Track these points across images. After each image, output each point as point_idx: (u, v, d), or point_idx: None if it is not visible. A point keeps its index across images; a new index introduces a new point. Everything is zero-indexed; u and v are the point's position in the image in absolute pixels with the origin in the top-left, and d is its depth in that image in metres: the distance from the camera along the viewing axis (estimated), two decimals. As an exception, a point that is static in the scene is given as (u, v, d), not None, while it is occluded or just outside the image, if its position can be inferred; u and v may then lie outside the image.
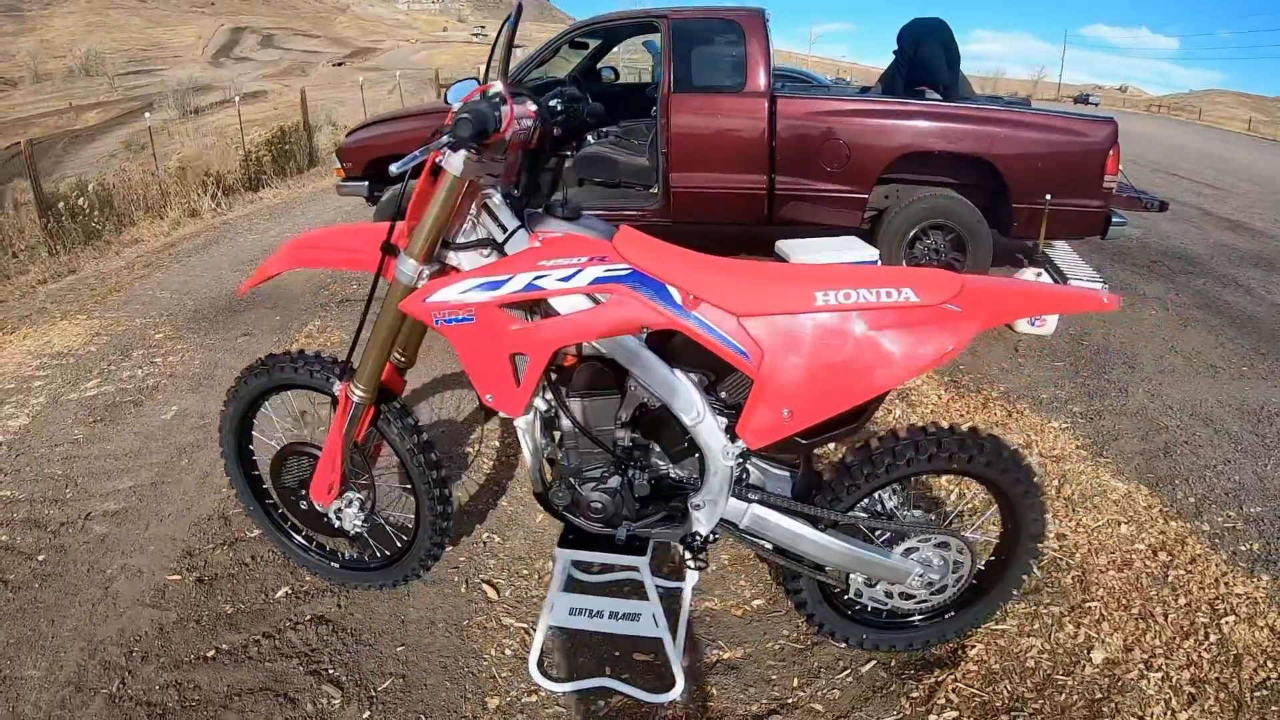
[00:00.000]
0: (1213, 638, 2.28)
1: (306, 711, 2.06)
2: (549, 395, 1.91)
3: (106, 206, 8.31)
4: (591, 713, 2.02)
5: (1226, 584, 2.52)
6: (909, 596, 2.04)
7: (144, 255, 7.07)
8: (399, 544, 2.37)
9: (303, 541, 2.47)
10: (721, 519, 1.92)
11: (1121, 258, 6.70)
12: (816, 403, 1.72)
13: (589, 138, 5.88)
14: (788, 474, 2.03)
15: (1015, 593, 2.15)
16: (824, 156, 4.84)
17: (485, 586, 2.47)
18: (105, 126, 24.95)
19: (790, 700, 2.09)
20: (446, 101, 2.06)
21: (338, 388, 2.05)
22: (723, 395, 1.86)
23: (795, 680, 2.15)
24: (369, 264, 1.89)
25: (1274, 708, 2.07)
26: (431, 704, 2.05)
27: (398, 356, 2.12)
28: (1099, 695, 2.08)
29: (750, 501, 1.91)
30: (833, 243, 4.80)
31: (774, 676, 2.17)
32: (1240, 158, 18.15)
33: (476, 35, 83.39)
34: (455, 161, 1.69)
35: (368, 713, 2.04)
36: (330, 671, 2.17)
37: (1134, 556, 2.65)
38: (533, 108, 1.82)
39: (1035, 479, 1.93)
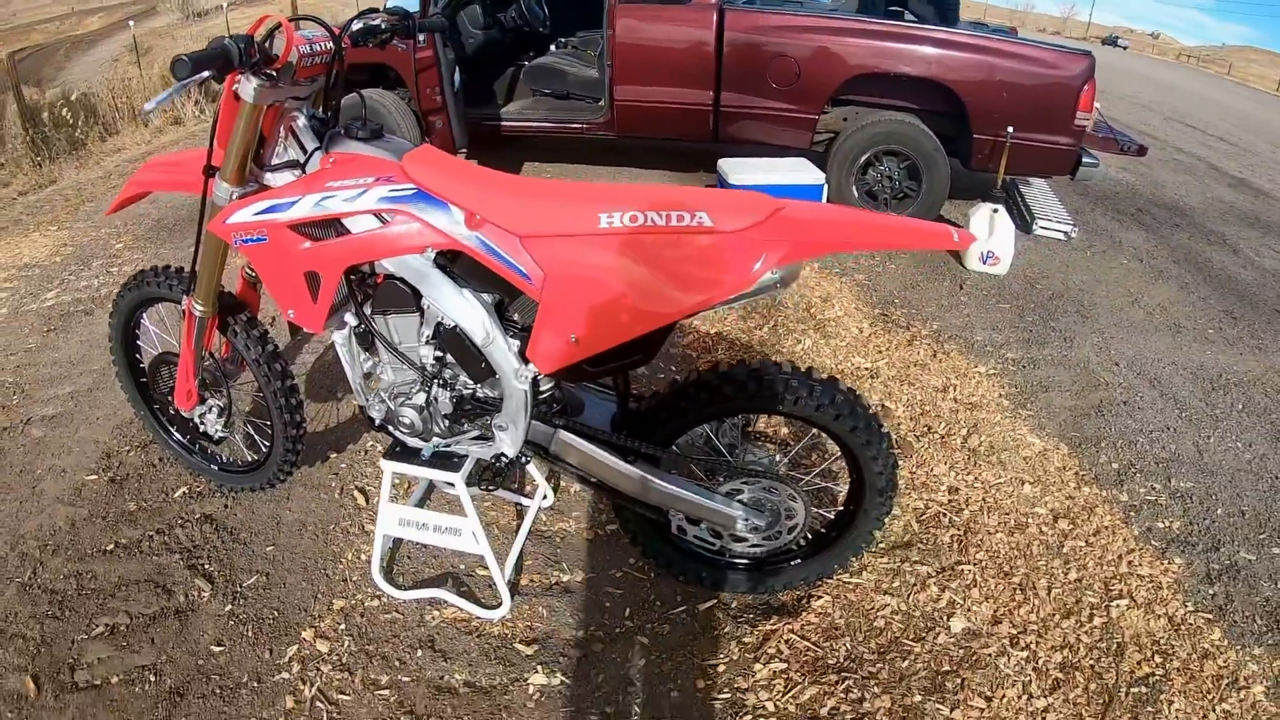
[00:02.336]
0: (1097, 620, 2.16)
1: (179, 602, 2.26)
2: (361, 311, 1.96)
3: (91, 115, 8.34)
4: (425, 621, 2.15)
5: (1130, 563, 2.38)
6: (740, 539, 2.02)
7: (122, 164, 7.15)
8: (264, 450, 2.53)
9: (184, 441, 2.63)
10: (530, 442, 1.97)
11: (1104, 201, 6.44)
12: (600, 330, 1.69)
13: (551, 47, 5.81)
14: (610, 402, 2.06)
15: (865, 547, 2.09)
16: (773, 74, 4.76)
17: (356, 493, 2.62)
18: (107, 31, 24.63)
19: (618, 630, 2.12)
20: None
21: (185, 302, 2.17)
22: (515, 318, 1.87)
23: (628, 609, 2.17)
24: (197, 186, 1.95)
25: (1149, 709, 1.93)
26: (286, 601, 2.23)
27: (249, 272, 2.23)
28: (947, 667, 1.99)
29: (556, 427, 1.94)
30: (778, 164, 4.76)
31: (608, 604, 2.20)
32: (1263, 116, 17.12)
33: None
34: (247, 88, 1.74)
35: (230, 606, 2.23)
36: (205, 567, 2.36)
37: (1031, 520, 2.52)
38: (321, 34, 1.84)
39: (879, 428, 1.87)
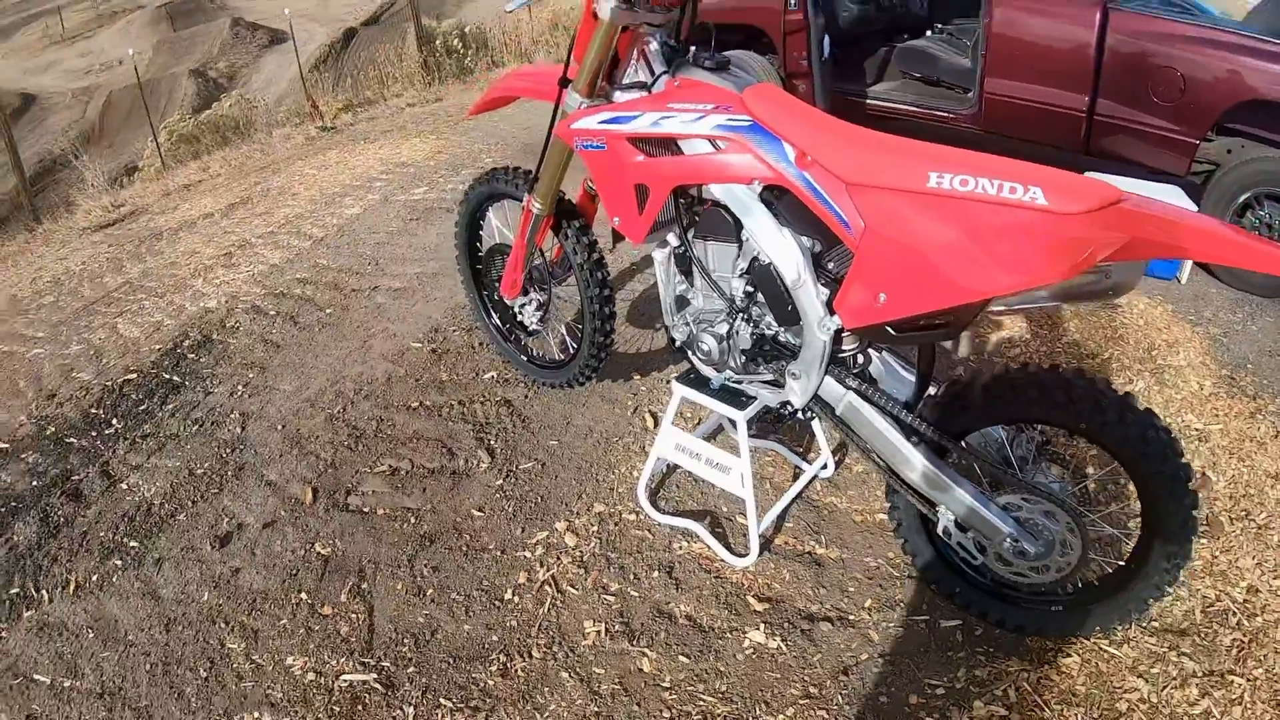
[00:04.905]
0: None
1: (458, 465, 2.53)
2: (684, 234, 2.04)
3: (482, 47, 9.39)
4: (670, 548, 2.21)
5: None
6: (1005, 562, 1.86)
7: (503, 94, 7.98)
8: (571, 351, 2.71)
9: (501, 327, 2.89)
10: (819, 398, 1.94)
11: None
12: (912, 293, 1.61)
13: (927, 32, 5.59)
14: (910, 377, 1.96)
15: (1137, 616, 1.86)
16: (1155, 85, 4.18)
17: (648, 415, 2.72)
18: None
19: (851, 617, 2.04)
20: None
21: (526, 199, 2.38)
22: (829, 266, 1.84)
23: (869, 601, 2.08)
24: (552, 95, 2.16)
25: None
26: (552, 492, 2.41)
27: (590, 185, 2.40)
28: (1175, 791, 1.69)
29: (849, 389, 1.89)
30: (1149, 186, 4.10)
31: (851, 589, 2.12)
32: None
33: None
34: (604, 7, 1.90)
35: (501, 481, 2.45)
36: (491, 442, 2.61)
37: (1324, 656, 2.07)
38: None
39: (1185, 481, 1.64)
